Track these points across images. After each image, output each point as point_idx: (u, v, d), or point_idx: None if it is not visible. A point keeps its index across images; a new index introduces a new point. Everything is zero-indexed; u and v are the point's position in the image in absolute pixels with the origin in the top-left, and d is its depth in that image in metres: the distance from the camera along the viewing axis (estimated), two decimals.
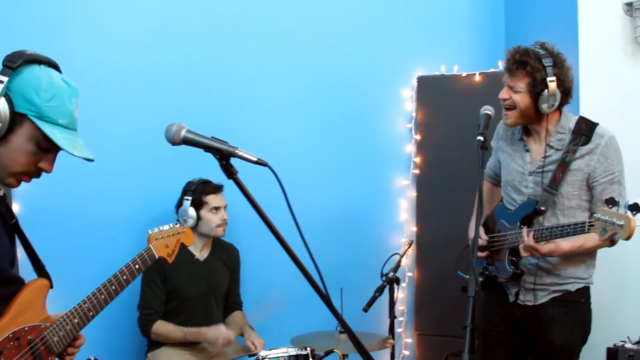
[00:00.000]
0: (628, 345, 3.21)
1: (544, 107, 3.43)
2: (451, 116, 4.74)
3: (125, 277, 2.75)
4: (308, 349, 3.31)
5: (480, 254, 3.73)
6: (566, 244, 3.37)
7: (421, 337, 4.96)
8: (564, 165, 3.45)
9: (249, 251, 4.47)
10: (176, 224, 3.20)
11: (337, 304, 4.00)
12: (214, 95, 4.58)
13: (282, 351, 3.26)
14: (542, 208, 3.44)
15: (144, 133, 4.34)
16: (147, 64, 4.43)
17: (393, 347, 4.11)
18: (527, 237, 3.37)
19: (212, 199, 4.19)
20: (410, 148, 4.96)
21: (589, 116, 3.72)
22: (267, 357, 3.21)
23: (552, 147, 3.52)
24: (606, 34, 4.31)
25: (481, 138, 3.18)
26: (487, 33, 5.21)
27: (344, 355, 3.78)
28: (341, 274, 4.63)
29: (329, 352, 3.38)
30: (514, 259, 3.55)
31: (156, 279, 4.09)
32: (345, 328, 2.36)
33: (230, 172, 2.23)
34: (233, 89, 4.63)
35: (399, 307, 4.91)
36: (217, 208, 4.19)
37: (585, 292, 3.58)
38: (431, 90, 4.92)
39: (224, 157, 2.21)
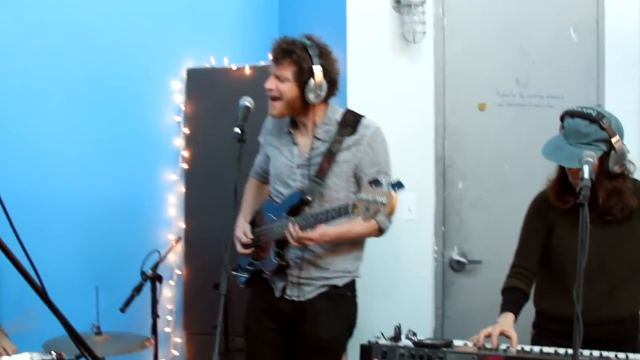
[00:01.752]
0: (382, 342, 3.17)
1: (311, 96, 3.41)
2: (221, 109, 4.61)
3: None
4: (53, 353, 3.07)
5: (245, 250, 3.65)
6: (333, 228, 3.35)
7: (191, 336, 4.83)
8: (330, 156, 3.43)
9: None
10: None
11: (92, 303, 3.88)
12: None
13: (25, 357, 3.02)
14: (309, 198, 3.41)
15: None
16: None
17: (156, 347, 3.99)
18: (292, 228, 3.31)
19: None
20: (179, 142, 4.81)
21: (358, 112, 3.72)
22: None
23: (318, 139, 3.50)
24: (375, 30, 4.34)
25: (238, 130, 3.10)
26: (258, 25, 5.13)
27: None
28: (100, 272, 4.50)
29: (79, 356, 3.17)
30: (279, 251, 3.49)
31: None
32: (64, 325, 2.15)
33: None
34: None
35: (168, 306, 4.77)
36: None
37: (351, 285, 3.60)
38: (201, 83, 4.79)
39: None
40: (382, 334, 3.21)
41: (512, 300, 3.40)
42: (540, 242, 3.45)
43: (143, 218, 4.80)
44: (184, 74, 4.83)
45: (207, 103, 4.76)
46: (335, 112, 3.54)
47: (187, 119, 4.80)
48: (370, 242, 4.27)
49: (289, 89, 3.43)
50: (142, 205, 4.81)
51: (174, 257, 4.75)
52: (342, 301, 3.58)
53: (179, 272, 4.81)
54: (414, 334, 3.21)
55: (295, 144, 3.57)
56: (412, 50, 4.36)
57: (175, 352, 4.83)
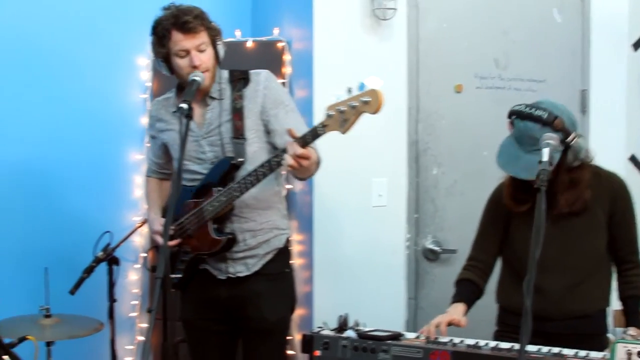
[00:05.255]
0: (325, 332, 3.01)
1: (222, 55, 3.39)
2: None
3: None
4: None
5: (170, 243, 3.46)
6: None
7: (157, 321, 4.61)
8: (238, 113, 3.33)
9: None
10: None
11: (40, 285, 3.75)
12: None
13: None
14: (241, 159, 3.30)
15: None
16: None
17: (112, 332, 3.93)
18: (293, 147, 3.00)
19: None
20: (146, 120, 4.60)
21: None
22: None
23: (213, 98, 3.39)
24: (344, 5, 4.17)
25: (185, 106, 2.91)
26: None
27: (48, 343, 3.62)
28: (53, 254, 4.41)
29: (22, 340, 3.08)
30: (219, 227, 3.37)
31: None
32: None
33: None
34: None
35: (134, 290, 4.64)
36: None
37: (287, 253, 3.53)
38: None
39: None
40: (326, 324, 3.07)
41: (464, 292, 3.32)
42: (498, 234, 3.35)
43: (107, 199, 4.64)
44: (150, 50, 4.62)
45: (174, 80, 4.50)
46: (223, 72, 3.46)
47: (153, 96, 4.60)
48: (340, 228, 4.14)
49: (210, 55, 3.34)
50: (107, 186, 4.65)
51: (140, 240, 4.61)
52: (281, 279, 3.49)
53: (144, 255, 4.65)
54: (359, 325, 3.07)
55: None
56: (384, 28, 4.19)
57: (142, 338, 4.68)
